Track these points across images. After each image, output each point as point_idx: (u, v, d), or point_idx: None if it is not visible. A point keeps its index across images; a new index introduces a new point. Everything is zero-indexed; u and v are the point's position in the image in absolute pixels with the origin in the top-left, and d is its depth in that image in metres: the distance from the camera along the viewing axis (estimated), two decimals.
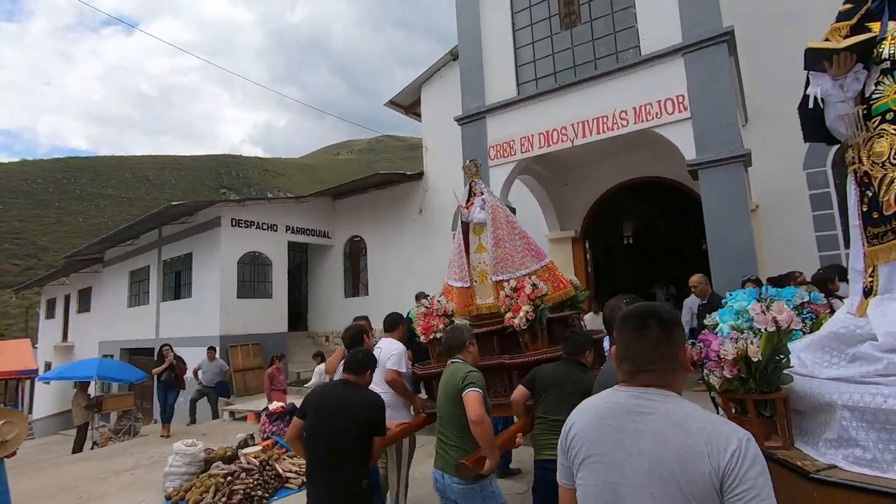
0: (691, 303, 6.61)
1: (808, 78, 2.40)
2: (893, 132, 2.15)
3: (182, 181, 69.07)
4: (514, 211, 8.58)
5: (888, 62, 2.19)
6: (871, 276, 2.27)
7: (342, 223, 14.67)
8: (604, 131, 7.22)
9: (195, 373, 10.42)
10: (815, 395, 2.07)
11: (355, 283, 14.49)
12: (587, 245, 10.77)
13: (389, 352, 4.05)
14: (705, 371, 2.31)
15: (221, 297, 11.96)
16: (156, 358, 10.08)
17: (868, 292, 2.26)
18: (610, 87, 7.22)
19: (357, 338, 3.96)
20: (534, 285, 3.77)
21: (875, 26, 2.26)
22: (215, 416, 10.57)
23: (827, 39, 2.34)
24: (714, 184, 6.33)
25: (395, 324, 4.39)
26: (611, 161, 9.87)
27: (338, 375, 3.62)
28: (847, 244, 8.02)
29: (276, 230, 13.28)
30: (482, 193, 4.64)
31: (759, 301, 2.28)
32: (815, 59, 2.32)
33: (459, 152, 11.64)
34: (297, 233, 13.76)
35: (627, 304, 2.15)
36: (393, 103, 13.94)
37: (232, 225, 12.35)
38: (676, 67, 6.70)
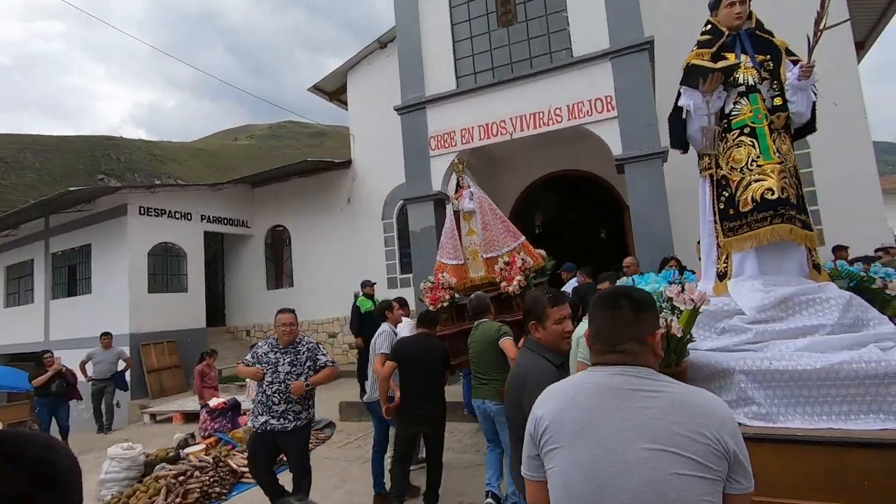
0: (624, 282, 7.37)
1: (679, 92, 2.84)
2: (750, 143, 2.66)
3: (49, 165, 60.46)
4: (447, 198, 8.91)
5: (743, 86, 2.72)
6: (724, 262, 2.76)
7: (262, 212, 14.02)
8: (540, 126, 7.75)
9: (82, 367, 8.99)
10: (710, 364, 2.28)
11: (279, 274, 13.97)
12: None
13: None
14: None
15: (130, 293, 10.95)
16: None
17: (723, 276, 2.75)
18: (545, 85, 7.75)
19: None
20: (523, 260, 4.71)
21: (731, 56, 2.75)
22: (110, 416, 9.28)
23: (695, 59, 2.82)
24: (638, 177, 7.11)
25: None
26: (536, 154, 10.51)
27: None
28: None
29: (190, 219, 12.37)
30: (469, 186, 5.51)
31: (671, 283, 2.53)
32: (694, 75, 2.75)
33: (388, 140, 11.76)
34: (213, 222, 12.93)
35: (549, 295, 2.31)
36: (317, 88, 13.54)
37: (140, 213, 11.31)
38: (605, 70, 7.38)
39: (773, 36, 2.84)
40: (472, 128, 8.17)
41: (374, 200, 12.53)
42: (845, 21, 2.95)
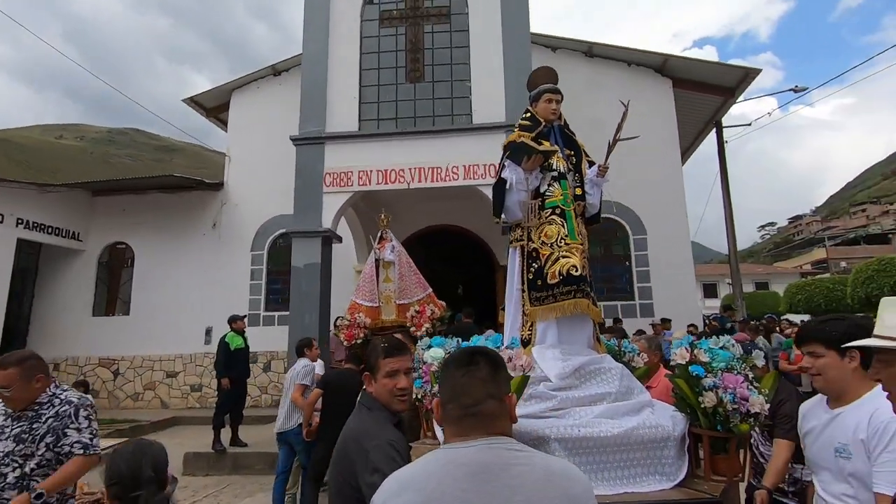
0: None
1: (502, 165, 3.09)
2: (560, 223, 2.95)
3: None
4: (339, 239, 8.76)
5: (556, 172, 3.05)
6: (529, 330, 2.94)
7: (102, 225, 12.04)
8: (437, 180, 8.13)
9: None
10: (525, 432, 2.25)
11: (111, 299, 11.95)
12: None
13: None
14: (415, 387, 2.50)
15: None
16: None
17: (526, 343, 2.90)
18: (445, 143, 8.23)
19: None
20: (432, 310, 4.85)
21: (546, 144, 3.08)
22: None
23: (519, 139, 3.08)
24: None
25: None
26: (421, 206, 10.89)
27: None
28: None
29: (0, 221, 10.10)
30: (391, 240, 6.28)
31: (498, 348, 2.61)
32: (520, 152, 2.99)
33: (268, 169, 11.25)
34: (33, 229, 10.71)
35: (384, 345, 2.08)
36: (194, 101, 12.50)
37: None
38: (500, 140, 8.04)
39: (575, 135, 3.34)
40: (371, 171, 8.24)
41: (244, 229, 11.66)
42: (636, 137, 3.73)
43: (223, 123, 12.94)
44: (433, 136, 8.30)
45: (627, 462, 2.23)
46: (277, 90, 12.04)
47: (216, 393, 8.01)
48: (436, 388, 2.34)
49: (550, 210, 2.99)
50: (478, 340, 2.87)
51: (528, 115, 3.23)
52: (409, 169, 8.17)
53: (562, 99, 3.24)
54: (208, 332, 11.34)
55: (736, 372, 2.43)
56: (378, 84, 8.70)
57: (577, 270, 2.80)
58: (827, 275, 30.12)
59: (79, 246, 11.76)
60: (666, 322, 9.87)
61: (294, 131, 8.73)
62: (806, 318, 20.67)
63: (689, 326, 9.55)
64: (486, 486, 1.05)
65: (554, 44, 11.63)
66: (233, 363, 7.29)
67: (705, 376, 2.41)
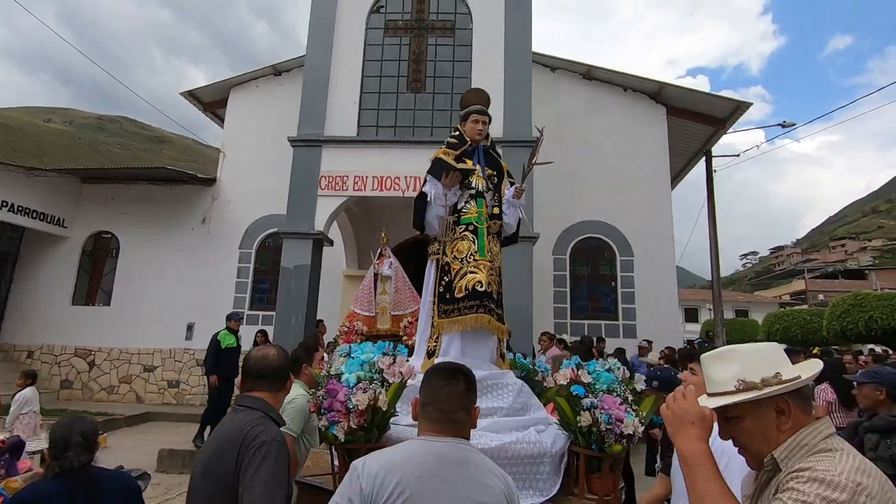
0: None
1: (425, 179, 3.20)
2: (471, 239, 3.07)
3: None
4: (331, 243, 8.77)
5: (474, 190, 3.19)
6: (435, 341, 3.04)
7: (88, 213, 11.86)
8: None
9: None
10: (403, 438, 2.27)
11: (93, 288, 11.74)
12: None
13: None
14: (325, 422, 2.39)
15: None
16: None
17: (432, 354, 3.01)
18: None
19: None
20: None
21: (469, 162, 3.23)
22: None
23: (442, 156, 3.21)
24: (510, 256, 7.86)
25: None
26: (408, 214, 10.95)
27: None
28: (572, 315, 10.75)
29: None
30: (390, 257, 6.76)
31: (385, 355, 2.59)
32: (439, 168, 3.12)
33: (262, 168, 11.24)
34: (17, 212, 10.51)
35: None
36: (191, 95, 12.44)
37: None
38: None
39: (500, 157, 3.49)
40: (367, 177, 8.28)
41: (234, 226, 11.58)
42: (551, 162, 3.92)
43: (220, 119, 12.89)
44: (431, 146, 8.31)
45: None
46: (277, 90, 12.05)
47: (203, 390, 7.92)
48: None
49: (464, 226, 3.13)
50: (365, 348, 2.86)
51: (457, 133, 3.36)
52: (405, 177, 8.22)
53: (489, 121, 3.37)
54: (190, 328, 11.20)
55: (616, 394, 2.54)
56: (379, 91, 8.78)
57: (481, 286, 2.93)
58: (804, 306, 30.74)
59: (63, 233, 11.56)
60: (649, 344, 10.00)
61: (291, 132, 8.75)
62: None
63: (665, 349, 9.66)
64: (450, 472, 1.37)
65: (553, 64, 11.83)
66: (222, 362, 7.22)
67: (585, 396, 2.50)
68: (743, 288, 67.54)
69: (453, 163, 3.12)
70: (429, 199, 3.15)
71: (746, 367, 1.15)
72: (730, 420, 1.18)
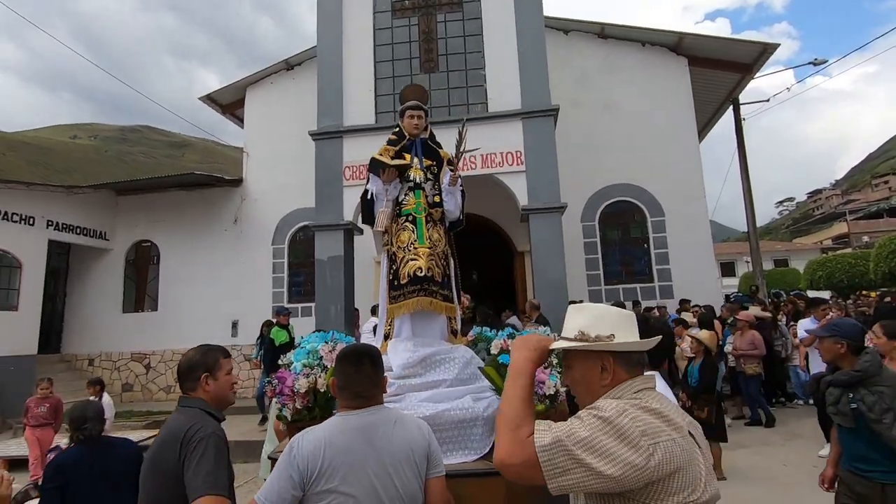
0: (513, 321, 7.94)
1: (368, 177, 3.40)
2: (411, 229, 3.27)
3: None
4: (361, 231, 8.91)
5: (412, 183, 3.35)
6: (389, 325, 3.28)
7: (127, 224, 12.33)
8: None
9: None
10: None
11: (140, 296, 12.28)
12: None
13: None
14: (278, 405, 2.86)
15: None
16: None
17: (387, 336, 3.26)
18: None
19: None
20: (466, 297, 5.31)
21: (408, 157, 3.40)
22: None
23: (381, 154, 3.41)
24: (540, 227, 7.86)
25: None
26: None
27: None
28: (606, 282, 10.69)
29: (32, 224, 10.41)
30: None
31: (326, 343, 3.07)
32: (375, 167, 3.33)
33: (285, 163, 11.42)
34: (62, 230, 11.02)
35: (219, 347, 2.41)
36: (210, 99, 12.65)
37: None
38: (516, 128, 8.15)
39: (441, 147, 3.63)
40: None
41: (264, 223, 11.86)
42: (477, 149, 4.12)
43: (239, 120, 13.09)
44: (448, 125, 8.24)
45: (441, 440, 2.46)
46: (291, 84, 12.12)
47: (254, 383, 8.25)
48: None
49: (405, 217, 3.33)
50: (311, 339, 3.21)
51: (397, 129, 3.56)
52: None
53: (424, 114, 3.54)
54: (234, 325, 11.63)
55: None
56: (393, 76, 8.75)
57: (421, 272, 3.16)
58: (848, 250, 29.63)
59: (106, 245, 12.08)
60: (685, 303, 9.88)
61: (309, 124, 8.83)
62: (827, 294, 20.44)
63: (700, 307, 9.47)
64: (371, 436, 1.68)
65: (566, 26, 11.51)
66: (278, 359, 7.50)
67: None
68: (781, 236, 65.39)
69: (388, 160, 3.33)
70: (369, 196, 3.41)
71: (590, 322, 1.30)
72: (567, 367, 1.36)
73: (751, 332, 7.45)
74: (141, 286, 12.32)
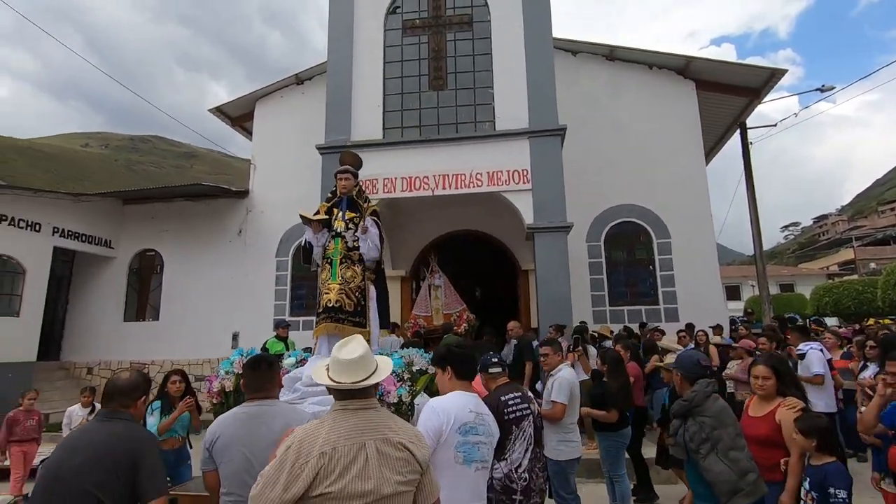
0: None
1: (305, 229, 4.54)
2: (328, 269, 4.33)
3: None
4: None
5: (335, 232, 4.39)
6: (315, 343, 4.46)
7: (132, 233, 12.36)
8: (461, 187, 8.19)
9: None
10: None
11: (142, 305, 12.25)
12: (413, 285, 11.53)
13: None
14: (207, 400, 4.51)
15: None
16: None
17: (312, 351, 4.36)
18: (468, 150, 8.29)
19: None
20: (468, 316, 7.56)
21: (336, 211, 4.51)
22: None
23: (318, 211, 4.57)
24: (545, 246, 7.81)
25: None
26: (441, 211, 10.87)
27: None
28: (610, 303, 10.57)
29: (38, 230, 10.44)
30: (438, 271, 10.03)
31: (241, 356, 4.39)
32: (305, 221, 4.47)
33: (291, 177, 11.43)
34: (68, 237, 11.05)
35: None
36: (219, 111, 12.78)
37: None
38: (523, 146, 8.16)
39: (366, 202, 4.64)
40: (395, 179, 8.34)
41: (269, 236, 11.85)
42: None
43: (248, 132, 13.18)
44: (456, 143, 8.36)
45: None
46: (300, 100, 12.23)
47: None
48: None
49: (327, 260, 4.39)
50: (237, 354, 4.63)
51: (334, 188, 4.68)
52: (434, 176, 8.24)
53: (352, 175, 4.58)
54: (235, 337, 11.54)
55: (394, 373, 3.66)
56: (401, 92, 8.81)
57: (330, 303, 4.17)
58: (855, 276, 29.38)
59: (110, 253, 12.09)
60: (690, 327, 9.73)
61: (317, 138, 8.87)
62: (834, 320, 20.21)
63: (713, 328, 9.34)
64: (253, 423, 2.32)
65: (574, 48, 11.61)
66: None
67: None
68: (786, 261, 65.04)
69: (309, 216, 4.46)
70: (304, 243, 4.57)
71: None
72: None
73: (750, 359, 7.29)
74: (143, 295, 12.29)
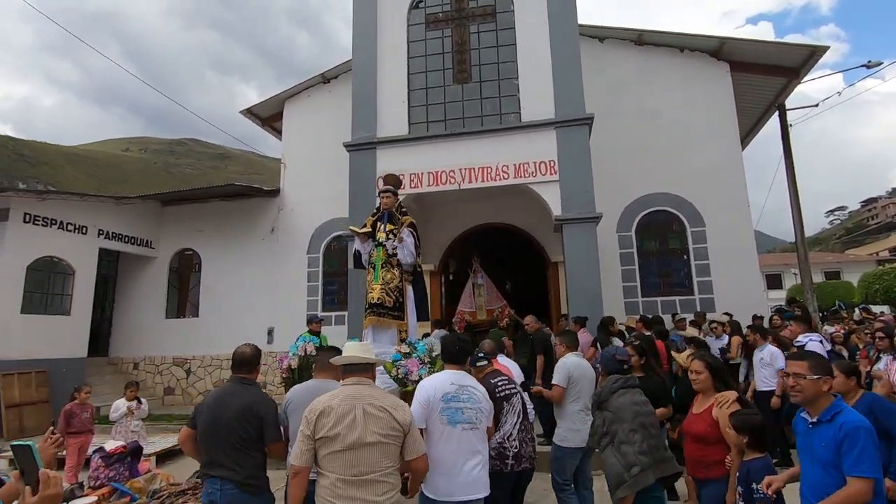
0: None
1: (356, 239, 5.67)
2: (372, 272, 5.39)
3: None
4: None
5: (377, 242, 5.41)
6: (363, 332, 5.49)
7: (171, 233, 12.84)
8: (488, 180, 8.16)
9: None
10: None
11: (181, 302, 12.72)
12: (442, 279, 11.59)
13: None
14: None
15: None
16: None
17: (361, 340, 4.55)
18: (494, 143, 8.24)
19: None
20: (509, 311, 8.31)
21: (379, 224, 5.52)
22: None
23: (364, 224, 5.64)
24: (574, 237, 7.71)
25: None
26: (468, 205, 10.86)
27: None
28: (643, 294, 10.35)
29: (85, 233, 10.97)
30: (480, 272, 10.66)
31: (305, 342, 5.72)
32: (353, 233, 5.67)
33: (321, 174, 11.62)
34: (112, 238, 11.57)
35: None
36: (250, 112, 13.07)
37: (25, 221, 9.81)
38: (549, 137, 8.05)
39: (404, 215, 5.67)
40: (422, 173, 8.37)
41: (300, 233, 12.10)
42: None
43: (277, 132, 13.46)
44: (482, 136, 8.32)
45: None
46: (327, 98, 12.39)
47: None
48: None
49: (371, 265, 5.43)
50: (302, 340, 6.13)
51: (378, 204, 5.81)
52: (460, 169, 8.24)
53: (393, 194, 5.67)
54: (270, 332, 11.87)
55: (416, 356, 4.72)
56: (426, 87, 8.82)
57: (373, 300, 5.27)
58: None
59: (152, 253, 12.60)
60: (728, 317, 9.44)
61: (345, 135, 8.98)
62: (885, 309, 19.21)
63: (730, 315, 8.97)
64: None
65: (601, 34, 11.35)
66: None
67: (400, 359, 4.72)
68: (832, 247, 62.13)
69: (356, 228, 5.63)
70: (354, 252, 5.85)
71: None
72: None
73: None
74: (183, 293, 12.76)
